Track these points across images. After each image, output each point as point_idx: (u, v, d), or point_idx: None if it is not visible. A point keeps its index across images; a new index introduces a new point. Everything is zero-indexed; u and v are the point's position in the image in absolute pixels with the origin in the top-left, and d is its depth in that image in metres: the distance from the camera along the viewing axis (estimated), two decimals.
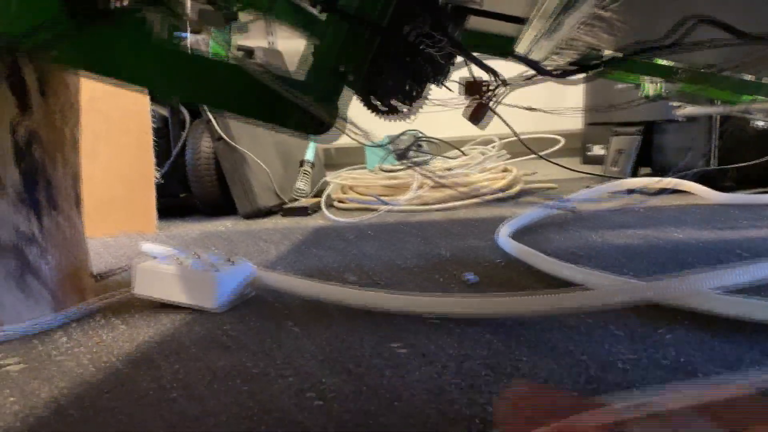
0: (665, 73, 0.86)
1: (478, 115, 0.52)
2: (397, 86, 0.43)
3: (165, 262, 0.70)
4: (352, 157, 1.93)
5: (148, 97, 1.41)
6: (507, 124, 1.12)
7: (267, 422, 0.40)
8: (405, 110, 0.47)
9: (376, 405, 0.41)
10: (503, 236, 0.92)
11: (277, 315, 0.65)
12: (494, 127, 1.71)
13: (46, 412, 0.44)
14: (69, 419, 0.42)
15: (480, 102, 0.52)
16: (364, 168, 1.76)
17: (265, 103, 0.39)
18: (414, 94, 0.45)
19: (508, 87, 0.59)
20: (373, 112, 0.46)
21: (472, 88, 0.57)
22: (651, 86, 0.96)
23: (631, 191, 1.41)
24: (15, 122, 0.65)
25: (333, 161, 2.05)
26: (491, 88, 0.51)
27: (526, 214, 1.06)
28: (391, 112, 0.46)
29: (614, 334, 0.53)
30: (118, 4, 0.41)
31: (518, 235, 0.98)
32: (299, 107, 0.38)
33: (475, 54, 0.84)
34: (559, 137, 1.58)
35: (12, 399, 0.47)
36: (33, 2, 0.34)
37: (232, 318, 0.65)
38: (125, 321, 0.67)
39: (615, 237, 0.94)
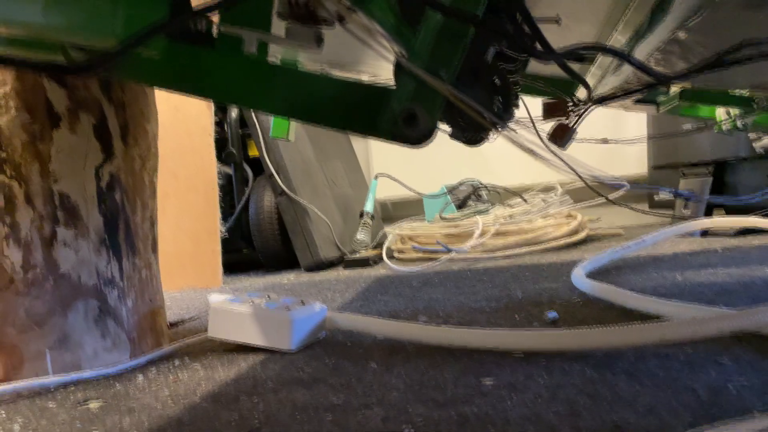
0: (742, 103, 0.83)
1: (562, 136, 0.50)
2: (484, 102, 0.42)
3: (239, 303, 0.70)
4: (409, 210, 1.93)
5: (214, 155, 1.46)
6: (571, 168, 1.10)
7: None
8: (491, 136, 0.45)
9: (470, 430, 0.39)
10: (579, 276, 0.88)
11: (351, 353, 0.64)
12: (556, 174, 1.68)
13: None
14: None
15: (563, 123, 0.50)
16: (423, 220, 1.75)
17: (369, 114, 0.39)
18: (502, 114, 0.43)
19: (592, 105, 0.58)
20: (456, 130, 0.45)
21: (553, 108, 0.55)
22: (725, 119, 0.93)
23: (705, 232, 1.35)
24: (99, 167, 0.68)
25: (390, 214, 2.06)
26: (573, 107, 0.50)
27: (600, 255, 1.02)
28: (476, 134, 0.44)
29: (718, 362, 0.49)
30: (214, 30, 0.43)
31: (594, 276, 0.95)
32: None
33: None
34: (623, 182, 1.54)
35: (95, 429, 0.46)
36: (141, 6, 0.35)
37: (307, 357, 0.64)
38: (201, 362, 0.67)
39: (700, 276, 0.89)
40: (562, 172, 1.52)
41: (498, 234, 1.37)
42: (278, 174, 1.46)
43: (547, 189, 1.66)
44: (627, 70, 0.78)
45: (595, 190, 1.40)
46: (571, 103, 0.51)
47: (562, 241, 1.38)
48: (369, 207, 1.57)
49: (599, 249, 1.33)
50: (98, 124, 0.68)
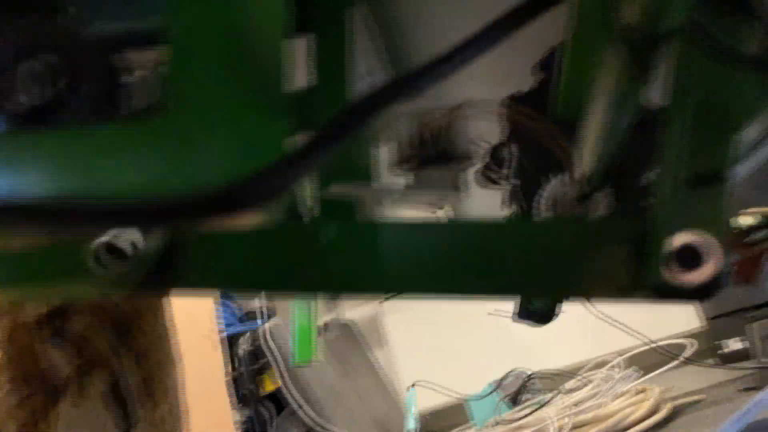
0: None
1: (753, 272, 0.37)
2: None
3: None
4: (451, 419, 1.71)
5: (227, 400, 1.29)
6: (633, 333, 0.96)
7: None
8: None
9: None
10: None
11: None
12: (605, 345, 1.52)
13: None
14: None
15: (748, 257, 0.38)
16: (470, 428, 1.54)
17: None
18: None
19: None
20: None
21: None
22: None
23: None
24: None
25: (429, 428, 1.82)
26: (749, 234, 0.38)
27: (723, 428, 0.84)
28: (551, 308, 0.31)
29: None
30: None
31: None
32: None
33: None
34: (686, 341, 1.39)
35: None
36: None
37: None
38: None
39: None
40: (612, 342, 1.36)
41: (575, 428, 1.16)
42: (308, 404, 1.28)
43: (601, 364, 1.49)
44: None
45: (671, 353, 1.25)
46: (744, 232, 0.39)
47: (649, 422, 1.18)
48: (412, 424, 1.37)
49: (696, 423, 1.13)
50: (112, 387, 0.53)
